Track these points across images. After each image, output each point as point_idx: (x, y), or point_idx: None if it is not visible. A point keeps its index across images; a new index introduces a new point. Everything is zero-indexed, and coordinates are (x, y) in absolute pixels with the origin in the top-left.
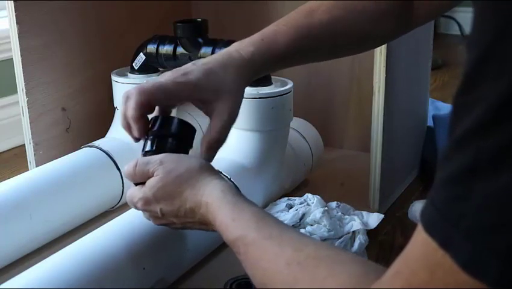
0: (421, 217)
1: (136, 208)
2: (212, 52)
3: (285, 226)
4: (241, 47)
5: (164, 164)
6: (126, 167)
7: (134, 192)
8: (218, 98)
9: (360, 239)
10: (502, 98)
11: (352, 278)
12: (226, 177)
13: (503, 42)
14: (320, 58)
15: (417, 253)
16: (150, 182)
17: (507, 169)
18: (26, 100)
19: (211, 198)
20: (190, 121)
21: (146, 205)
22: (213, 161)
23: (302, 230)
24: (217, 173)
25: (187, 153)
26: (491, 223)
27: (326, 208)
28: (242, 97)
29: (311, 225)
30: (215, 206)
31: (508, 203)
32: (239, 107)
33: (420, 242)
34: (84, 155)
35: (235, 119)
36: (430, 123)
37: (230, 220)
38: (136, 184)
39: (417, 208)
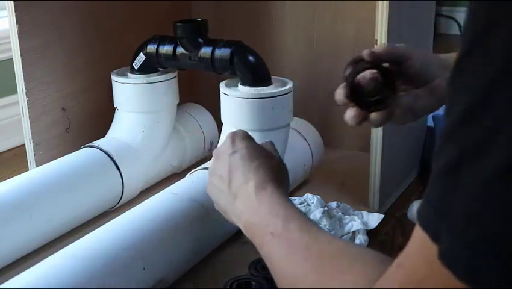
0: (417, 212)
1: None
2: (212, 52)
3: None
4: None
5: (276, 157)
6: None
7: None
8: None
9: (360, 239)
10: (485, 89)
11: (371, 272)
12: None
13: (488, 35)
14: None
15: (415, 248)
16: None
17: (490, 157)
18: (26, 100)
19: (263, 196)
20: (190, 122)
21: (234, 137)
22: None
23: None
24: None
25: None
26: (470, 214)
27: (326, 208)
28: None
29: None
30: (266, 201)
31: (492, 191)
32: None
33: (417, 236)
34: (84, 155)
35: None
36: (430, 123)
37: (266, 223)
38: None
39: (416, 208)
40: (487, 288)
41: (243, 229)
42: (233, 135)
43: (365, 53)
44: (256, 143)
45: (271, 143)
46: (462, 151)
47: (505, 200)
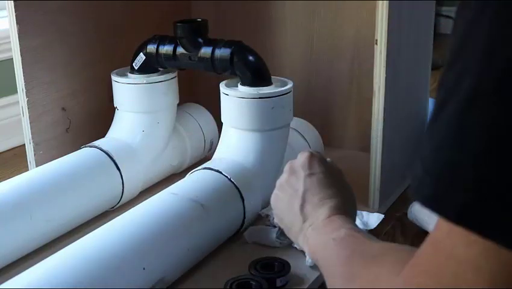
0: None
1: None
2: (212, 52)
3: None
4: None
5: (335, 174)
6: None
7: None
8: None
9: None
10: (462, 35)
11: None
12: (226, 177)
13: (480, 21)
14: None
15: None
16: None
17: (456, 96)
18: (26, 100)
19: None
20: (190, 122)
21: (312, 158)
22: (213, 161)
23: None
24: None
25: None
26: (436, 147)
27: None
28: None
29: None
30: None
31: (452, 125)
32: None
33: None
34: (84, 155)
35: None
36: None
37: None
38: None
39: (417, 208)
40: (455, 215)
41: (308, 252)
42: (311, 156)
43: None
44: (330, 167)
45: (333, 162)
46: (443, 97)
47: (465, 130)
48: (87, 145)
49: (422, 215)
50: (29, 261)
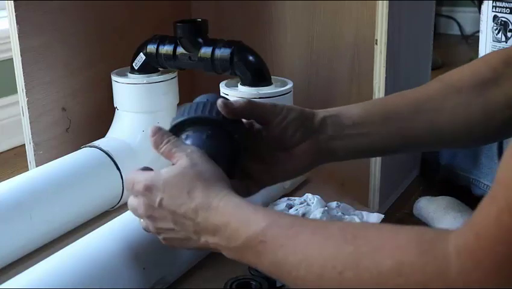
0: None
1: (132, 190)
2: (212, 52)
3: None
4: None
5: (192, 154)
6: (154, 138)
7: (137, 174)
8: None
9: None
10: None
11: (421, 229)
12: None
13: None
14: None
15: None
16: (166, 169)
17: None
18: (26, 100)
19: (223, 202)
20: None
21: (147, 190)
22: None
23: None
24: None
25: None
26: None
27: (326, 208)
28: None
29: None
30: (230, 206)
31: None
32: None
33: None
34: (84, 155)
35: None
36: None
37: (250, 214)
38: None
39: (422, 204)
40: None
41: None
42: (146, 191)
43: (219, 104)
44: (160, 174)
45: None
46: None
47: None
48: (87, 145)
49: (427, 211)
50: (29, 261)
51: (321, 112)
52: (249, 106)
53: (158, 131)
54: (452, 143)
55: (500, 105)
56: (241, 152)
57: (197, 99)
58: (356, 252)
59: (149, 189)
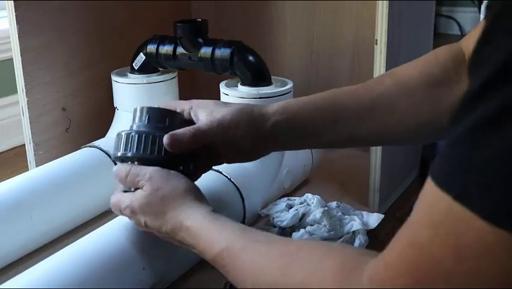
0: (431, 173)
1: (122, 213)
2: (212, 52)
3: (270, 233)
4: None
5: (152, 179)
6: (117, 171)
7: (121, 198)
8: None
9: (360, 239)
10: (504, 61)
11: (349, 257)
12: (226, 177)
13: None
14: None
15: (424, 212)
16: (137, 195)
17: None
18: (26, 100)
19: (191, 222)
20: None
21: (132, 214)
22: None
23: (302, 230)
24: (201, 198)
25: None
26: (507, 172)
27: (326, 208)
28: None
29: (311, 225)
30: (196, 228)
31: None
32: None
33: (428, 199)
34: (84, 155)
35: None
36: None
37: (214, 235)
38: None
39: None
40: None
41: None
42: (132, 214)
43: (166, 143)
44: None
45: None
46: (488, 114)
47: None
48: (87, 145)
49: None
50: (29, 261)
51: (272, 117)
52: (198, 138)
53: (118, 169)
54: (400, 141)
55: (450, 106)
56: (191, 174)
57: (138, 120)
58: (283, 275)
59: (133, 213)
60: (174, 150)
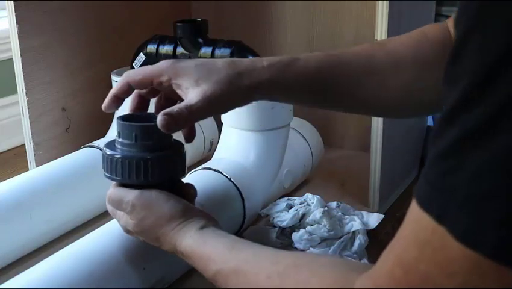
0: (415, 193)
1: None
2: (212, 52)
3: (259, 246)
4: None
5: (135, 209)
6: (109, 205)
7: (122, 193)
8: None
9: (360, 239)
10: (486, 69)
11: (338, 275)
12: (226, 177)
13: (487, 14)
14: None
15: (410, 230)
16: (127, 222)
17: (496, 137)
18: (26, 100)
19: (183, 247)
20: None
21: (129, 232)
22: (213, 161)
23: (302, 230)
24: (189, 215)
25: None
26: (485, 192)
27: (326, 208)
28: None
29: (311, 225)
30: (188, 252)
31: (499, 170)
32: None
33: (414, 218)
34: (83, 155)
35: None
36: (430, 123)
37: (206, 260)
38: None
39: None
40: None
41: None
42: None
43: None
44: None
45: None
46: (464, 131)
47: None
48: (87, 145)
49: None
50: (29, 261)
51: (256, 95)
52: (194, 116)
53: (109, 199)
54: (387, 113)
55: (439, 86)
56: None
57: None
58: None
59: (129, 233)
60: (170, 131)
